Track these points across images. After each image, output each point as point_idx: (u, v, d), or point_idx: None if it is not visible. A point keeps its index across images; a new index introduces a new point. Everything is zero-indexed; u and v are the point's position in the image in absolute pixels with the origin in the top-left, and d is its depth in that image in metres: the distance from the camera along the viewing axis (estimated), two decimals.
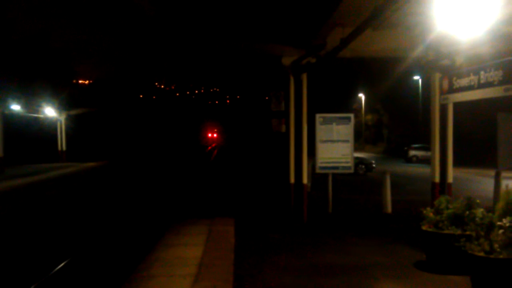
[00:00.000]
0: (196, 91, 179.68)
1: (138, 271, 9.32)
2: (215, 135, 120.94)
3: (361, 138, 67.26)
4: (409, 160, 45.55)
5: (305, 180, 14.15)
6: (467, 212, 8.48)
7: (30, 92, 43.31)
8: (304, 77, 14.07)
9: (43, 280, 10.30)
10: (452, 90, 11.94)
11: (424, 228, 9.06)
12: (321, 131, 14.79)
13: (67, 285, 10.27)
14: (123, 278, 9.18)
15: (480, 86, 10.41)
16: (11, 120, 39.22)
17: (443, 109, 12.80)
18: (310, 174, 16.85)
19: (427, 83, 24.94)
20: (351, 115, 15.38)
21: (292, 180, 14.19)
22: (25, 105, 40.30)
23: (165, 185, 26.94)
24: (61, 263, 11.36)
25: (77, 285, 10.33)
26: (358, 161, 30.28)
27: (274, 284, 8.53)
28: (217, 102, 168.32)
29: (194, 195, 21.85)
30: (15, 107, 38.21)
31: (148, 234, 13.87)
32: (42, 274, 10.59)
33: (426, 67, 13.22)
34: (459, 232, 8.39)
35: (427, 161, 29.75)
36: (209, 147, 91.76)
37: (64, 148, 47.35)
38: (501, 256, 6.95)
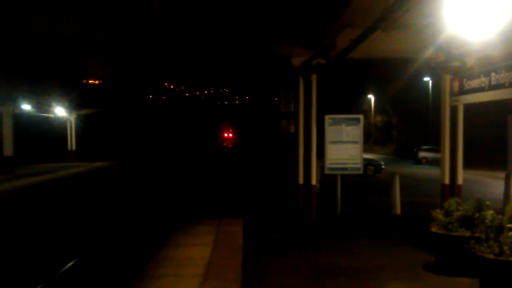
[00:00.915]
0: (206, 92, 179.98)
1: (147, 270, 9.34)
2: (230, 135, 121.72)
3: (370, 139, 67.11)
4: (418, 161, 45.36)
5: (314, 181, 14.13)
6: (477, 214, 8.43)
7: (40, 91, 43.57)
8: (314, 78, 14.05)
9: (52, 278, 10.35)
10: (462, 91, 11.88)
11: (433, 230, 9.02)
12: (330, 132, 14.77)
13: (76, 284, 10.31)
14: (131, 277, 9.21)
15: (491, 87, 10.35)
16: (21, 119, 39.46)
17: (453, 110, 12.73)
18: (319, 175, 16.84)
19: (437, 85, 24.81)
20: (361, 116, 15.34)
21: (301, 180, 14.18)
22: (35, 105, 40.54)
23: (174, 185, 26.99)
24: (70, 262, 11.41)
25: (86, 284, 10.37)
26: (367, 162, 30.19)
27: (282, 285, 8.52)
28: (226, 102, 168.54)
29: (202, 195, 21.88)
30: (26, 106, 38.46)
31: (157, 233, 13.90)
32: (51, 273, 10.64)
33: (436, 68, 13.14)
34: (468, 234, 8.34)
35: (436, 162, 29.68)
36: (225, 144, 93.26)
37: (73, 147, 47.61)
38: (510, 259, 6.91)
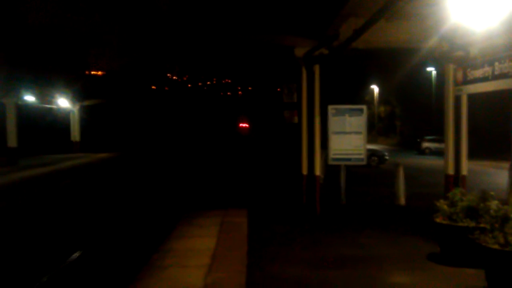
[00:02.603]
0: (208, 82, 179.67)
1: (152, 261, 9.39)
2: (245, 125, 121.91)
3: (373, 130, 66.92)
4: (422, 152, 45.19)
5: (317, 171, 14.14)
6: (482, 205, 8.43)
7: (43, 83, 43.48)
8: (317, 69, 14.02)
9: (58, 269, 10.42)
10: (466, 81, 11.86)
11: (438, 220, 9.02)
12: (334, 122, 14.77)
13: (81, 273, 10.37)
14: (137, 268, 9.25)
15: (495, 77, 10.33)
16: (24, 110, 39.42)
17: (457, 100, 12.70)
18: (323, 165, 16.84)
19: (440, 75, 24.70)
20: (364, 107, 15.33)
21: (305, 171, 14.18)
22: (39, 96, 40.48)
23: (178, 176, 27.03)
24: (74, 253, 11.46)
25: (92, 274, 10.43)
26: (370, 153, 30.10)
27: (287, 275, 8.55)
28: (229, 93, 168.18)
29: (207, 185, 21.91)
30: (29, 97, 38.40)
31: (161, 225, 13.93)
32: (55, 264, 10.70)
33: (440, 58, 13.11)
34: (473, 224, 8.34)
35: (440, 153, 29.56)
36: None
37: (77, 138, 47.63)
38: None
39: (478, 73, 11.12)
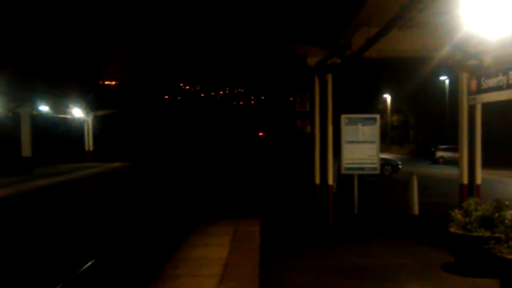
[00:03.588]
0: (221, 92, 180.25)
1: (164, 270, 9.39)
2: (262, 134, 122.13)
3: (386, 139, 66.63)
4: (436, 161, 44.89)
5: (330, 181, 14.07)
6: (496, 214, 8.36)
7: (57, 93, 43.84)
8: (329, 78, 13.99)
9: (73, 277, 10.48)
10: (480, 90, 11.78)
11: (452, 230, 8.95)
12: (347, 131, 14.72)
13: (95, 282, 10.41)
14: (150, 276, 9.27)
15: (509, 86, 10.24)
16: (39, 120, 39.75)
17: (471, 109, 12.62)
18: (336, 175, 16.79)
19: (454, 83, 24.55)
20: (377, 116, 15.27)
21: (318, 181, 14.12)
22: (53, 106, 40.81)
23: (191, 185, 27.07)
24: (89, 261, 11.51)
25: (105, 282, 10.46)
26: (384, 162, 29.96)
27: (299, 285, 8.52)
28: (241, 103, 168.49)
29: (219, 195, 21.92)
30: (43, 107, 38.72)
31: (174, 234, 13.96)
32: (70, 272, 10.75)
33: (453, 67, 13.03)
34: (488, 234, 8.26)
35: (454, 162, 29.37)
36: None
37: (91, 148, 47.89)
38: None
39: (492, 82, 11.04)
